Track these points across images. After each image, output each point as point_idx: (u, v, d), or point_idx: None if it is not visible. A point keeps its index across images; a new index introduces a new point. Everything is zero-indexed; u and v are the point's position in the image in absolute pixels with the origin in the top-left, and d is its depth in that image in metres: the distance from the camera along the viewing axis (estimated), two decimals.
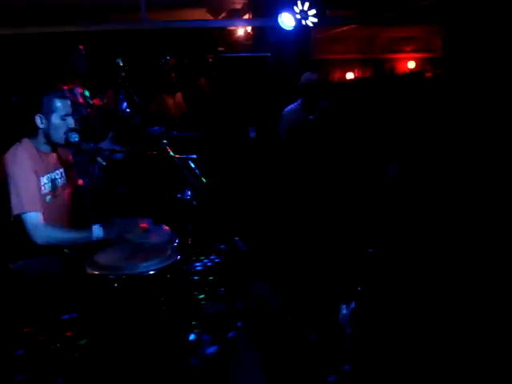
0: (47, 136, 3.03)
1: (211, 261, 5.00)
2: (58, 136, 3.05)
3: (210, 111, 7.33)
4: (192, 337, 3.55)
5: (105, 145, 3.96)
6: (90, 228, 2.94)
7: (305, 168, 5.30)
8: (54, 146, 3.12)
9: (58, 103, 3.03)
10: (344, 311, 3.36)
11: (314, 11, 6.18)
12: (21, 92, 3.15)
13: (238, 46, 9.82)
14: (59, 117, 3.02)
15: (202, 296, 4.19)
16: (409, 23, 9.72)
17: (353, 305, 3.36)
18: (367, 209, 4.74)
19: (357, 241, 4.43)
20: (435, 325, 3.28)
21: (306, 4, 6.14)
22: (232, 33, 10.14)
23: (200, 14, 9.60)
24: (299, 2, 6.18)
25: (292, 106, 5.86)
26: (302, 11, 6.21)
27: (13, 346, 3.23)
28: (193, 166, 3.48)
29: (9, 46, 7.42)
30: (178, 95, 7.67)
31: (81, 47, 5.03)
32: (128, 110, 4.79)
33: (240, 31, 9.90)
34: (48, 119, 3.01)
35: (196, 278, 4.56)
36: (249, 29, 9.55)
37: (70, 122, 3.09)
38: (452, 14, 7.81)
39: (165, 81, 7.45)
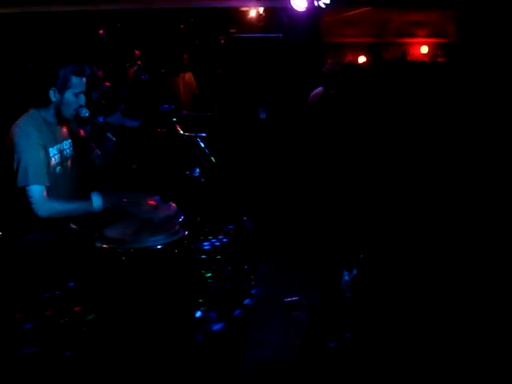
0: (58, 109, 3.01)
1: (219, 240, 5.04)
2: (68, 112, 3.03)
3: (221, 91, 7.32)
4: (198, 314, 3.60)
5: (116, 117, 3.96)
6: (89, 197, 2.95)
7: (322, 136, 5.29)
8: (62, 119, 3.10)
9: (75, 80, 2.98)
10: (346, 277, 3.38)
11: None
12: (39, 61, 3.07)
13: (250, 27, 9.75)
14: (73, 94, 2.99)
15: (209, 274, 4.23)
16: (422, 6, 9.59)
17: (355, 271, 3.38)
18: (372, 177, 4.74)
19: (361, 208, 4.44)
20: (435, 294, 3.31)
21: None
22: (244, 14, 10.07)
23: None
24: None
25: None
26: None
27: (21, 319, 3.28)
28: (202, 144, 3.48)
29: (29, 22, 7.42)
30: (188, 75, 7.66)
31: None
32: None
33: (252, 12, 9.83)
34: (62, 94, 2.97)
35: (204, 256, 4.60)
36: (261, 10, 9.49)
37: (82, 99, 3.06)
38: None
39: (176, 61, 7.45)
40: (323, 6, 6.26)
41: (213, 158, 3.53)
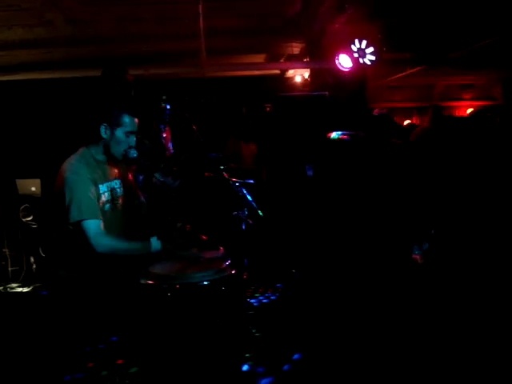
0: (107, 147, 3.03)
1: (267, 297, 4.90)
2: (118, 151, 3.04)
3: (268, 154, 7.30)
4: (245, 367, 3.43)
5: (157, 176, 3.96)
6: (148, 240, 2.88)
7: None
8: (111, 158, 3.11)
9: (127, 119, 3.02)
10: (416, 251, 3.23)
11: (371, 49, 6.16)
12: (95, 101, 3.16)
13: (296, 90, 9.84)
14: (123, 132, 3.02)
15: (256, 330, 4.08)
16: (471, 66, 9.56)
17: (426, 246, 3.23)
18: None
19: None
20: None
21: (364, 42, 6.13)
22: (289, 81, 10.24)
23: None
24: (357, 41, 6.18)
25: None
26: (359, 49, 6.19)
27: (62, 370, 3.17)
28: (249, 196, 3.43)
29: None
30: (252, 144, 7.62)
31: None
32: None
33: (297, 78, 9.99)
34: (112, 131, 3.00)
35: (251, 312, 4.46)
36: (306, 75, 9.63)
37: (133, 140, 3.08)
38: None
39: (243, 128, 7.50)
40: (368, 62, 6.26)
41: (260, 212, 3.45)
